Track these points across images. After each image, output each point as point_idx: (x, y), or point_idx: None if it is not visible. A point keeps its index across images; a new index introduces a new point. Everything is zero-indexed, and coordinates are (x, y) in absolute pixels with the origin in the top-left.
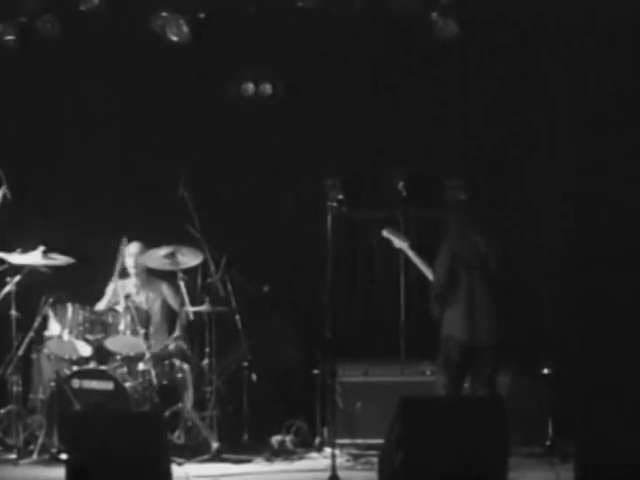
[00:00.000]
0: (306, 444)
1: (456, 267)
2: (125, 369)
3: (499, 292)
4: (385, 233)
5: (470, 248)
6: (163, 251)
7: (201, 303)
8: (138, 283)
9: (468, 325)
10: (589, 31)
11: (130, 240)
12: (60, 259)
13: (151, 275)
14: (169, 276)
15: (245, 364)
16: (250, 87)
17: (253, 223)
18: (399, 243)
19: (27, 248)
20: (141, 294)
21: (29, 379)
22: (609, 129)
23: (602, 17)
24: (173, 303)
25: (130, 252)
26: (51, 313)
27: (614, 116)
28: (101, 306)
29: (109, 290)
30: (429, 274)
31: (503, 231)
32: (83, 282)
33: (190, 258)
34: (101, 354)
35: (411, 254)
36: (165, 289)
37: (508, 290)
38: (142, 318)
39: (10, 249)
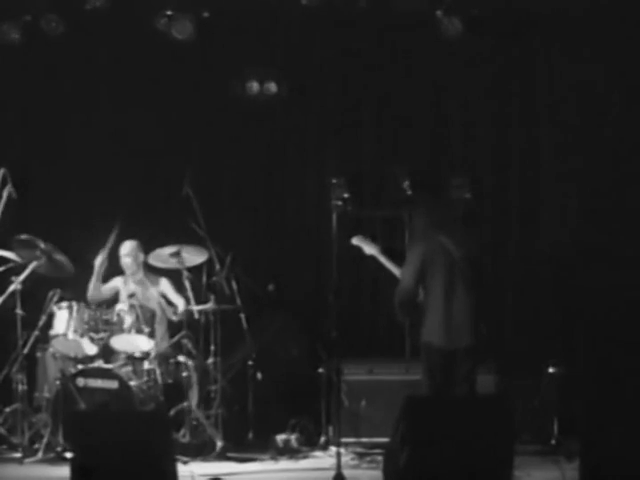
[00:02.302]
0: (311, 442)
1: (428, 271)
2: (130, 368)
3: (475, 291)
4: (354, 241)
5: (439, 249)
6: (168, 250)
7: (206, 302)
8: (136, 281)
9: (447, 331)
10: (594, 27)
11: (126, 239)
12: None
13: (149, 272)
14: (173, 273)
15: (250, 363)
16: (255, 86)
17: (258, 222)
18: (369, 250)
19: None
20: (139, 290)
21: (34, 378)
22: (614, 126)
23: (608, 13)
24: (172, 298)
25: (122, 252)
26: (56, 312)
27: (619, 112)
28: (102, 288)
29: (113, 282)
30: None
31: (507, 229)
32: (87, 281)
33: (195, 256)
34: (106, 353)
35: (383, 259)
36: (164, 284)
37: (484, 287)
38: (147, 317)
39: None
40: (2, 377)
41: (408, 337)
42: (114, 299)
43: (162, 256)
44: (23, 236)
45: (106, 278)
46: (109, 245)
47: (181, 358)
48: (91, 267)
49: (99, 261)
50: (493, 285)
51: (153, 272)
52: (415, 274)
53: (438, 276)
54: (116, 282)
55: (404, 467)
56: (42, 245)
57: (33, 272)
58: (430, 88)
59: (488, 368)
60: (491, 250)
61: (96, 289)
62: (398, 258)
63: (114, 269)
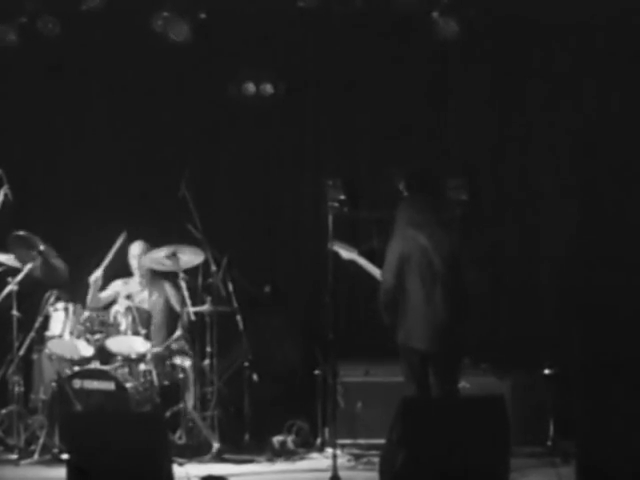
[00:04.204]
0: (307, 444)
1: (405, 270)
2: (126, 369)
3: (455, 294)
4: (331, 246)
5: (417, 249)
6: (164, 252)
7: (202, 303)
8: (143, 282)
9: (425, 333)
10: (590, 30)
11: (133, 240)
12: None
13: (154, 275)
14: (171, 275)
15: (246, 364)
16: (251, 87)
17: (254, 223)
18: (347, 254)
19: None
20: (145, 293)
21: (30, 379)
22: (613, 127)
23: (604, 17)
24: (175, 303)
25: (134, 253)
26: (52, 313)
27: (617, 113)
28: (102, 297)
29: (112, 287)
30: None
31: (505, 230)
32: (84, 282)
33: (191, 257)
34: (102, 354)
35: (362, 262)
36: (168, 289)
37: (461, 290)
38: (143, 318)
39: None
40: None
41: None
42: (116, 298)
43: (157, 258)
44: (21, 232)
45: (106, 281)
46: (106, 263)
47: (177, 360)
48: (88, 268)
49: (93, 278)
50: (488, 286)
51: (157, 275)
52: (395, 273)
53: (414, 277)
54: (115, 287)
55: (400, 469)
56: (40, 245)
57: (29, 274)
58: (427, 89)
59: (493, 371)
60: (489, 251)
61: (94, 301)
62: (378, 260)
63: (115, 272)
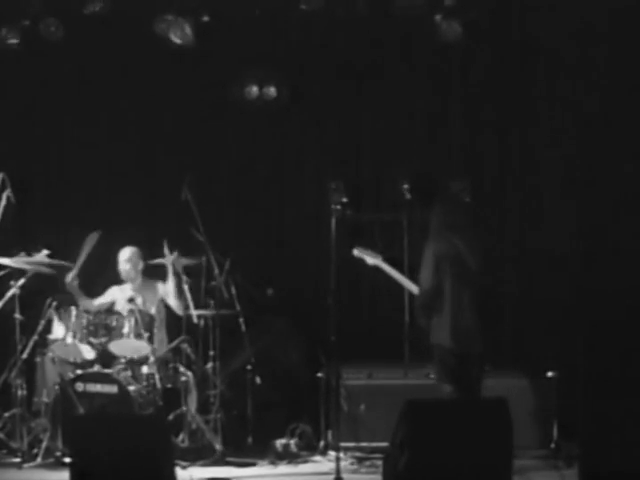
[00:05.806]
0: (310, 447)
1: (440, 271)
2: (129, 372)
3: (482, 295)
4: (356, 252)
5: (451, 251)
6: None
7: (205, 306)
8: (135, 287)
9: (455, 332)
10: (592, 33)
11: (124, 245)
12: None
13: (146, 277)
14: (162, 274)
15: (249, 367)
16: (254, 90)
17: (257, 226)
18: (372, 260)
19: (31, 251)
20: (139, 298)
21: (33, 382)
22: (614, 127)
23: (604, 21)
24: (170, 299)
25: (122, 258)
26: (55, 316)
27: (619, 113)
28: (94, 303)
29: (109, 293)
30: (408, 285)
31: (507, 232)
32: (86, 285)
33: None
34: (105, 357)
35: (386, 268)
36: (161, 288)
37: (490, 293)
38: (146, 321)
39: (14, 253)
40: (1, 382)
41: (407, 341)
42: (113, 303)
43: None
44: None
45: (104, 288)
46: (79, 263)
47: (181, 368)
48: (91, 269)
49: (69, 279)
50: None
51: (149, 277)
52: (433, 274)
53: (449, 277)
54: (112, 292)
55: (403, 471)
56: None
57: (32, 277)
58: (430, 91)
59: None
60: (491, 253)
61: (86, 304)
62: (400, 266)
63: (112, 278)
